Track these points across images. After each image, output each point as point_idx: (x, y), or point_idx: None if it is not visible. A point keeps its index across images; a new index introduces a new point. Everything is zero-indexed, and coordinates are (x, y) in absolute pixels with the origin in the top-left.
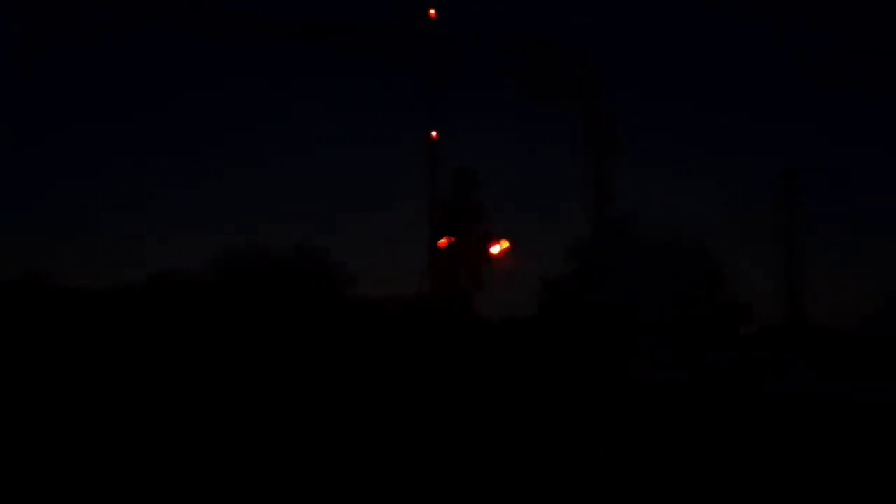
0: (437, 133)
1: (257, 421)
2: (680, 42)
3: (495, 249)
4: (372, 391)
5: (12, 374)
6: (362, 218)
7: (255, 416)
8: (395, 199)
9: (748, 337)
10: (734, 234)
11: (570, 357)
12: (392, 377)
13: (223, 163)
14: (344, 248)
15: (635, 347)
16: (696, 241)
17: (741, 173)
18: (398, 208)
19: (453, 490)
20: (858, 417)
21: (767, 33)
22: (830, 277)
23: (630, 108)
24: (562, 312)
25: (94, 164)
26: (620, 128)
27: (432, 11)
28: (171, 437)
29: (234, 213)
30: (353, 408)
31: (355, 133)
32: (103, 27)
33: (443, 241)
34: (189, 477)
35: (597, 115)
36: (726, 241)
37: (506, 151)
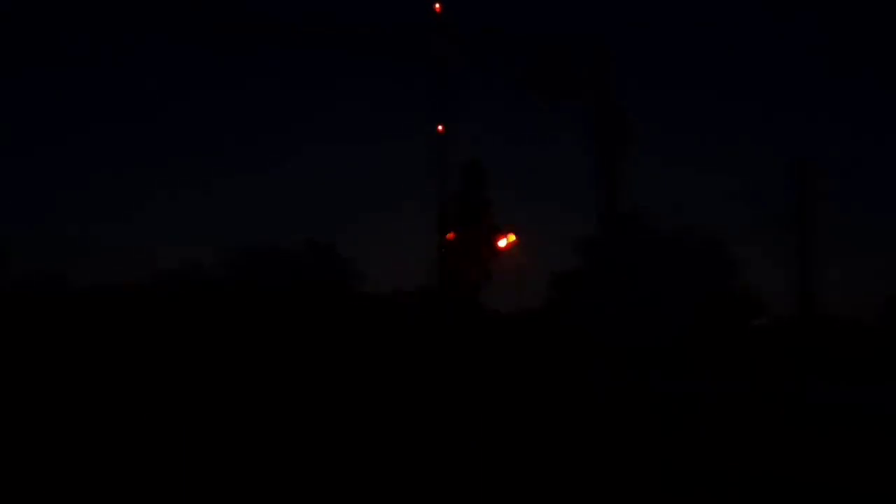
0: (444, 127)
1: (273, 417)
2: (692, 32)
3: (502, 243)
4: (377, 388)
5: (36, 375)
6: (369, 214)
7: (270, 413)
8: (403, 195)
9: (760, 328)
10: (747, 226)
11: (543, 359)
12: (394, 373)
13: (230, 163)
14: (351, 245)
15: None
16: (709, 234)
17: (755, 164)
18: (406, 204)
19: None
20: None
21: (782, 21)
22: (845, 268)
23: (642, 100)
24: (567, 308)
25: (101, 166)
26: (631, 120)
27: (437, 5)
28: (190, 435)
29: (242, 212)
30: (359, 404)
31: (363, 130)
32: (113, 31)
33: (451, 235)
34: (210, 472)
35: (607, 107)
36: (739, 233)
37: (516, 145)
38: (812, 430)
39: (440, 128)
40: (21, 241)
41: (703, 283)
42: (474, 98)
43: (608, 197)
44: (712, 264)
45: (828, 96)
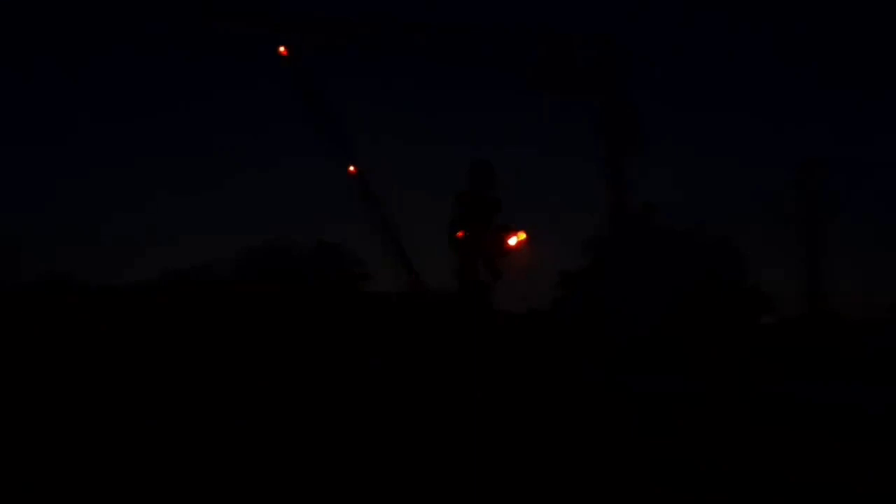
0: (355, 168)
1: (280, 417)
2: (702, 31)
3: (512, 241)
4: (385, 384)
5: (45, 374)
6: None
7: (277, 413)
8: (411, 194)
9: (768, 327)
10: (756, 225)
11: (549, 359)
12: (400, 371)
13: (236, 164)
14: (360, 244)
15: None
16: (717, 232)
17: (764, 163)
18: (413, 202)
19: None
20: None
21: (792, 24)
22: (857, 267)
23: (653, 100)
24: (575, 307)
25: (110, 164)
26: (640, 118)
27: (282, 49)
28: (198, 435)
29: (249, 212)
30: (368, 400)
31: (369, 127)
32: (119, 32)
33: (460, 234)
34: (219, 471)
35: (617, 104)
36: (748, 232)
37: (526, 144)
38: (813, 431)
39: (351, 169)
40: (29, 240)
41: (713, 281)
42: (484, 97)
43: (617, 195)
44: (722, 262)
45: (838, 97)
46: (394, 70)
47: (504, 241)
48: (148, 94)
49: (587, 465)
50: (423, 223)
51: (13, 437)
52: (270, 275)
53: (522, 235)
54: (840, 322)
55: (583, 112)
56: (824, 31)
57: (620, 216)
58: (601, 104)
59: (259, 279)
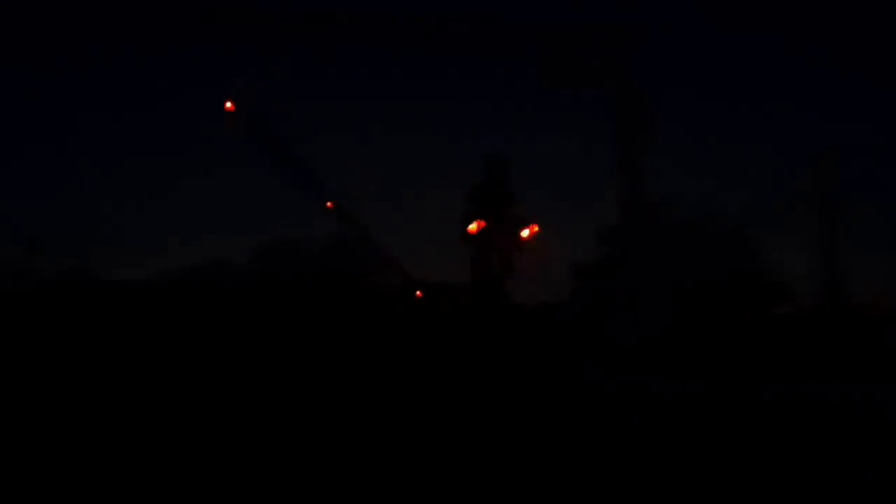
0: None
1: (295, 410)
2: (713, 19)
3: (525, 233)
4: (398, 378)
5: (70, 366)
6: (392, 206)
7: (293, 407)
8: (424, 188)
9: (783, 316)
10: (772, 214)
11: (557, 353)
12: (412, 364)
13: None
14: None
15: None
16: (732, 222)
17: (779, 153)
18: (428, 197)
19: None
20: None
21: (808, 12)
22: (873, 256)
23: (664, 90)
24: (588, 300)
25: (125, 156)
26: (652, 109)
27: (228, 104)
28: (217, 428)
29: (265, 204)
30: (379, 394)
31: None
32: (136, 22)
33: (473, 227)
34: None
35: (629, 93)
36: (763, 221)
37: (538, 137)
38: (813, 431)
39: (328, 204)
40: (45, 238)
41: (727, 272)
42: (497, 90)
43: (630, 185)
44: (736, 253)
45: (858, 86)
46: (398, 66)
47: (517, 234)
48: (150, 92)
49: (587, 464)
50: (435, 217)
51: (22, 432)
52: (283, 270)
53: (535, 228)
54: (857, 314)
55: (596, 102)
56: (840, 20)
57: (632, 208)
58: (613, 95)
59: (272, 275)
